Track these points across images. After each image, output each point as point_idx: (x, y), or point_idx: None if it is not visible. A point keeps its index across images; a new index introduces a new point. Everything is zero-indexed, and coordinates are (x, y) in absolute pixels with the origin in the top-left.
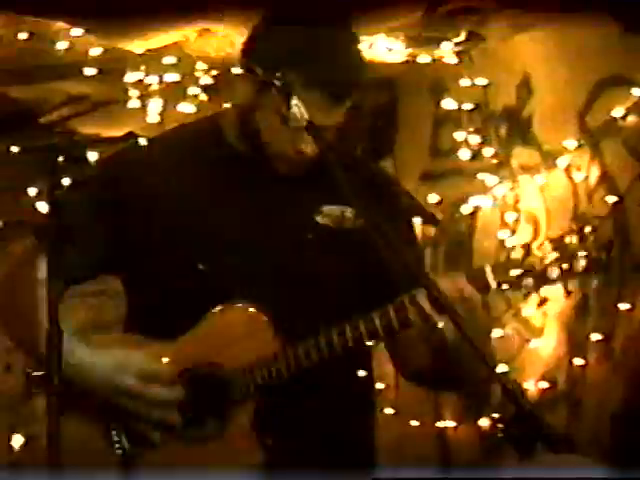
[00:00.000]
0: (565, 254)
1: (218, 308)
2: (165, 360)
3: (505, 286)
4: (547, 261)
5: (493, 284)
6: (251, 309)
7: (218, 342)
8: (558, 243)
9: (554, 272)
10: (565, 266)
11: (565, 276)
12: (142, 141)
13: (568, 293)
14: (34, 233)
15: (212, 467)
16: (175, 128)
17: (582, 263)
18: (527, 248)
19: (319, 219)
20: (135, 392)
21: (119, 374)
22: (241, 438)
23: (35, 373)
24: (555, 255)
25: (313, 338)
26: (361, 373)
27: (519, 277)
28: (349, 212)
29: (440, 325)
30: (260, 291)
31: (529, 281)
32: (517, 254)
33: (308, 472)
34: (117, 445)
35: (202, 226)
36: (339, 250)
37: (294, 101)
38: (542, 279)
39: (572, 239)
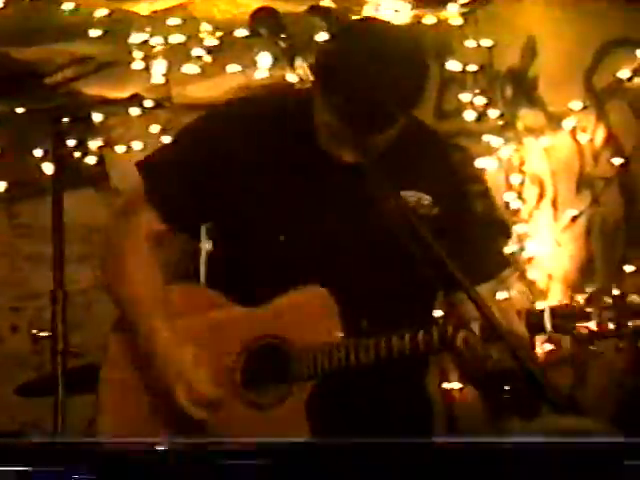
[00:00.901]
0: (626, 313)
1: (296, 287)
2: (234, 327)
3: (560, 332)
4: (606, 314)
5: (549, 328)
6: (325, 293)
7: (291, 319)
8: (620, 299)
9: (611, 326)
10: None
11: (621, 334)
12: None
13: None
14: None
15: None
16: (265, 94)
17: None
18: (589, 298)
19: (398, 204)
20: (180, 407)
21: (178, 386)
22: (294, 414)
23: (41, 334)
24: (613, 313)
25: (374, 337)
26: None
27: (575, 326)
28: (426, 199)
29: (494, 355)
30: (335, 274)
31: (583, 332)
32: (578, 301)
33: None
34: None
35: (283, 198)
36: (413, 236)
37: (298, 62)
38: (597, 333)
39: (636, 299)
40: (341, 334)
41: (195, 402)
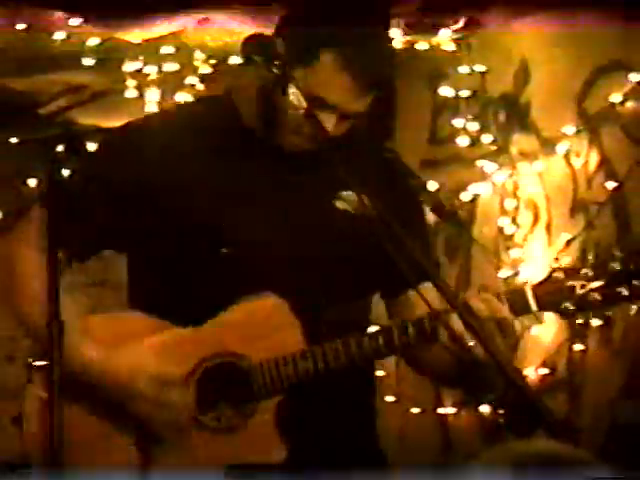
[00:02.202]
0: (609, 281)
1: (244, 298)
2: (181, 349)
3: (546, 309)
4: (590, 286)
5: (534, 307)
6: (278, 301)
7: (242, 333)
8: (602, 269)
9: (597, 297)
10: (608, 292)
11: (607, 303)
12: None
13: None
14: (40, 202)
15: (234, 460)
16: (183, 105)
17: (625, 292)
18: (568, 271)
19: (338, 204)
20: (149, 397)
21: (133, 380)
22: (264, 433)
23: (37, 363)
24: (600, 283)
25: (341, 340)
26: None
27: (560, 302)
28: (366, 199)
29: (471, 344)
30: (285, 280)
31: (569, 306)
32: (558, 275)
33: (326, 470)
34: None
35: (221, 208)
36: (358, 235)
37: (292, 89)
38: (584, 305)
39: (615, 265)
40: (303, 342)
41: (159, 384)
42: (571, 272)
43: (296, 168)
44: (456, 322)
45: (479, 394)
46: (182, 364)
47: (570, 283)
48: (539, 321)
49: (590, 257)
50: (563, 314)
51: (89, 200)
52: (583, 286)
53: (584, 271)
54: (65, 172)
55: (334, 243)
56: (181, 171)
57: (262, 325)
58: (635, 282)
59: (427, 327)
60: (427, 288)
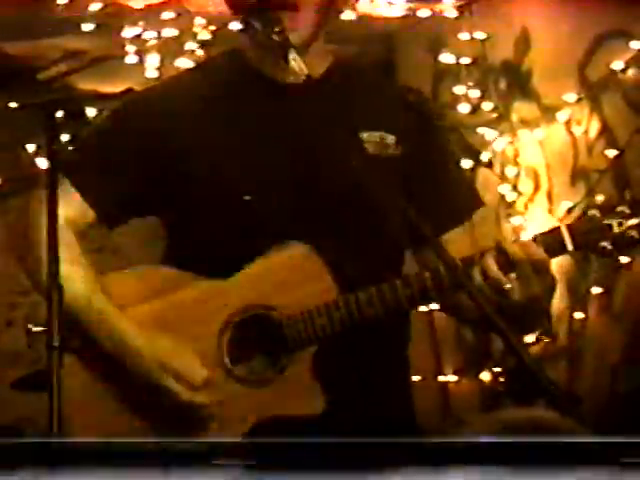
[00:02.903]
0: None
1: (272, 248)
2: (211, 302)
3: (583, 249)
4: (628, 224)
5: (570, 246)
6: (306, 251)
7: (272, 284)
8: (637, 206)
9: (635, 235)
10: None
11: None
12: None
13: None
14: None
15: (271, 412)
16: (194, 67)
17: None
18: (604, 208)
19: (362, 145)
20: (171, 393)
21: (161, 374)
22: (301, 384)
23: (35, 329)
24: (637, 220)
25: (375, 287)
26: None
27: (597, 240)
28: (390, 138)
29: (508, 286)
30: (311, 227)
31: (607, 245)
32: (594, 213)
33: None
34: None
35: (241, 156)
36: (384, 179)
37: (292, 55)
38: (622, 243)
39: None
40: (336, 291)
41: (190, 387)
42: (607, 209)
43: (314, 107)
44: (491, 265)
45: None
46: (213, 317)
47: (607, 221)
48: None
49: (627, 195)
50: (600, 253)
51: (118, 163)
52: (620, 224)
53: (620, 208)
54: (64, 137)
55: (357, 187)
56: (197, 127)
57: (292, 275)
58: None
59: (461, 271)
60: (457, 234)
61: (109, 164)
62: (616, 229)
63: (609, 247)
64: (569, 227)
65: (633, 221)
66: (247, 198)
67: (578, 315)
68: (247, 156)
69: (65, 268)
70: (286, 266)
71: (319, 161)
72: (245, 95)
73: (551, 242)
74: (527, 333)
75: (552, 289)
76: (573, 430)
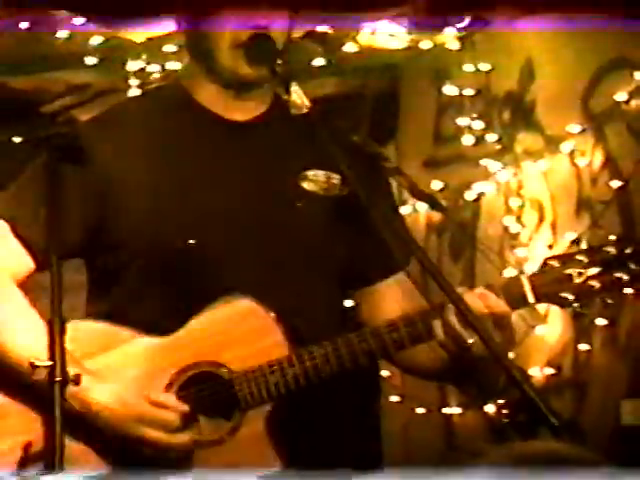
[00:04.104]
0: (606, 266)
1: (217, 302)
2: (154, 360)
3: (544, 301)
4: (588, 274)
5: (531, 299)
6: (253, 304)
7: (220, 340)
8: (596, 254)
9: (596, 285)
10: (606, 278)
11: (607, 289)
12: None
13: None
14: None
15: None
16: (127, 102)
17: (625, 277)
18: (562, 258)
19: (305, 185)
20: (151, 442)
21: (138, 426)
22: (255, 444)
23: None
24: (597, 269)
25: (329, 342)
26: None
27: (558, 291)
28: (335, 178)
29: (470, 341)
30: (256, 278)
31: (568, 295)
32: (553, 264)
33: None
34: None
35: (184, 200)
36: (330, 220)
37: (294, 88)
38: (582, 293)
39: (611, 250)
40: (287, 346)
41: (168, 430)
42: (565, 259)
43: (259, 145)
44: (452, 319)
45: (477, 391)
46: (158, 375)
47: (567, 272)
48: (543, 320)
49: (584, 245)
50: (562, 304)
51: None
52: (580, 274)
53: (579, 257)
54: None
55: (303, 232)
56: (140, 167)
57: (239, 330)
58: (632, 266)
59: (420, 325)
60: (401, 281)
61: (48, 208)
62: (576, 279)
63: (570, 298)
64: (530, 278)
65: (592, 270)
66: (191, 242)
67: (583, 347)
68: (189, 197)
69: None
70: (233, 320)
71: (264, 203)
72: (186, 131)
73: (513, 294)
74: (484, 392)
75: (511, 344)
76: (592, 463)
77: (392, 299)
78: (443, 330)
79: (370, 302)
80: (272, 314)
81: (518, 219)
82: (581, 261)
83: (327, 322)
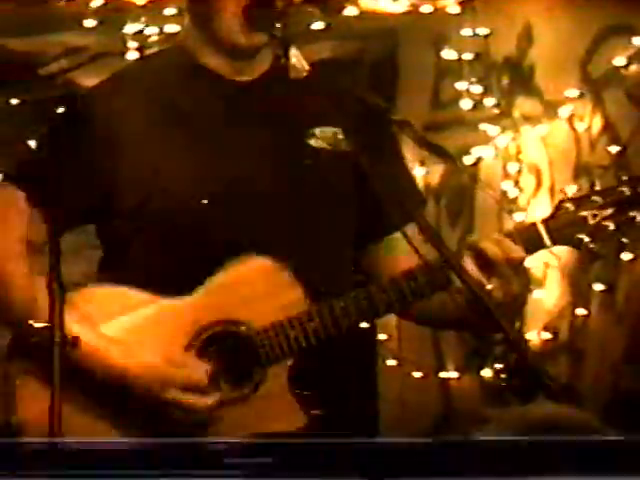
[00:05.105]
0: (621, 206)
1: (233, 261)
2: (174, 321)
3: (560, 244)
4: (603, 214)
5: (548, 242)
6: (270, 262)
7: (238, 298)
8: (610, 195)
9: (611, 226)
10: (621, 219)
11: (622, 229)
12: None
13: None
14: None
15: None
16: (131, 66)
17: (639, 217)
18: (577, 200)
19: (313, 142)
20: (181, 405)
21: (166, 389)
22: (279, 400)
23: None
24: (611, 210)
25: (349, 294)
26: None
27: (574, 234)
28: (342, 134)
29: (489, 287)
30: (271, 236)
31: (584, 237)
32: (568, 206)
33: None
34: None
35: (194, 160)
36: (338, 176)
37: (293, 52)
38: (598, 235)
39: (625, 189)
40: (306, 302)
41: (197, 392)
42: (580, 200)
43: (264, 104)
44: (470, 266)
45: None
46: (178, 335)
47: (581, 213)
48: (541, 284)
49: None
50: (577, 246)
51: (68, 173)
52: (595, 215)
53: (593, 198)
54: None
55: (314, 189)
56: (149, 130)
57: (258, 288)
58: None
59: (438, 273)
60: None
61: (59, 175)
62: (591, 221)
63: (586, 239)
64: (545, 222)
65: (607, 211)
66: (204, 202)
67: (580, 312)
68: (199, 158)
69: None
70: (250, 279)
71: (272, 161)
72: (193, 92)
73: (528, 238)
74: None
75: (527, 287)
76: (598, 429)
77: (407, 249)
78: (462, 277)
79: (387, 254)
80: (289, 270)
81: (516, 184)
82: (595, 202)
83: (344, 276)
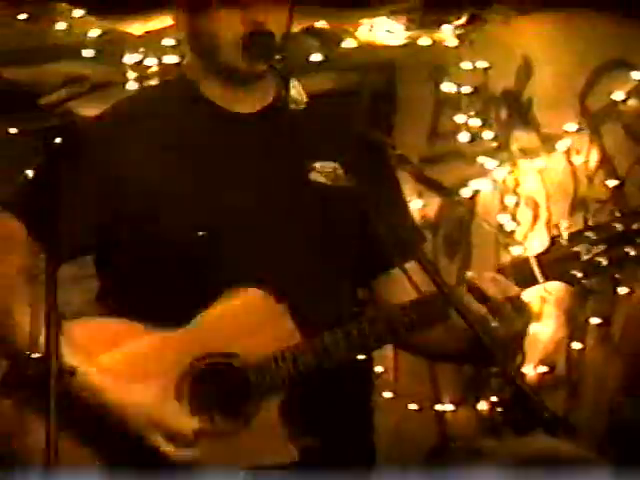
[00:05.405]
0: (614, 242)
1: (226, 293)
2: (166, 353)
3: (553, 279)
4: (595, 250)
5: (540, 278)
6: (262, 294)
7: (231, 331)
8: (604, 230)
9: (604, 262)
10: (614, 254)
11: (616, 265)
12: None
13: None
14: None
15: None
16: (133, 97)
17: (632, 252)
18: (571, 235)
19: (312, 176)
20: (162, 453)
21: (151, 432)
22: (269, 434)
23: (34, 355)
24: (605, 246)
25: (341, 328)
26: (360, 357)
27: (567, 269)
28: (342, 169)
29: (493, 324)
30: (265, 269)
31: (577, 273)
32: (561, 241)
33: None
34: None
35: (194, 193)
36: (337, 211)
37: (293, 83)
38: (591, 270)
39: (618, 225)
40: (298, 335)
41: (178, 444)
42: (574, 236)
43: (264, 136)
44: (474, 304)
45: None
46: (171, 368)
47: (575, 249)
48: (537, 318)
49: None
50: (570, 282)
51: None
52: (588, 251)
53: (586, 234)
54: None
55: (311, 222)
56: (150, 161)
57: (250, 320)
58: None
59: (433, 308)
60: (413, 268)
61: (58, 204)
62: (584, 256)
63: (579, 275)
64: (537, 258)
65: (600, 247)
66: (201, 234)
67: (576, 345)
68: (198, 190)
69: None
70: (244, 311)
71: (270, 194)
72: (195, 124)
73: (521, 274)
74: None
75: (529, 323)
76: (591, 461)
77: (407, 285)
78: (461, 311)
79: (385, 290)
80: (283, 303)
81: (513, 217)
82: (589, 238)
83: (339, 311)
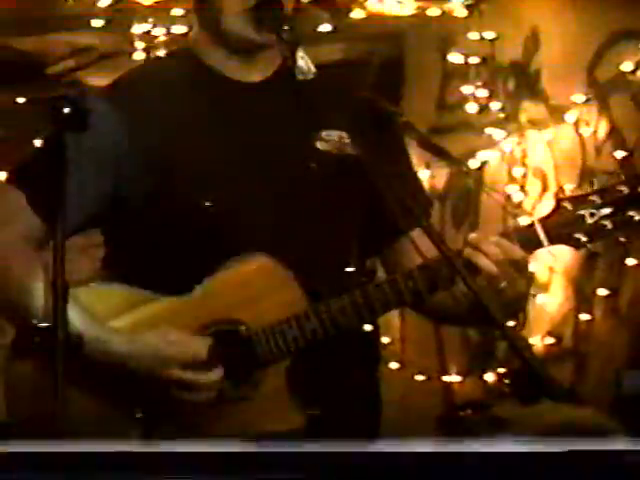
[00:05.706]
0: (619, 206)
1: (233, 260)
2: (172, 320)
3: (558, 243)
4: (600, 214)
5: (545, 242)
6: (270, 262)
7: (237, 298)
8: (608, 194)
9: (609, 225)
10: (619, 218)
11: (620, 229)
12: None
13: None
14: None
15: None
16: (138, 68)
17: (637, 216)
18: (575, 199)
19: (319, 145)
20: (183, 382)
21: (163, 367)
22: (277, 400)
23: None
24: (609, 209)
25: (347, 294)
26: (367, 327)
27: (571, 233)
28: (348, 137)
29: (502, 285)
30: (272, 236)
31: (582, 237)
32: (566, 205)
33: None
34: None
35: (199, 161)
36: (344, 179)
37: (300, 53)
38: (595, 234)
39: (623, 189)
40: (305, 302)
41: (195, 367)
42: (578, 200)
43: (270, 105)
44: (484, 261)
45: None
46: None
47: (579, 212)
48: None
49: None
50: (575, 245)
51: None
52: (593, 214)
53: (592, 198)
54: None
55: (318, 190)
56: (155, 131)
57: (257, 287)
58: None
59: (438, 274)
60: (420, 234)
61: (62, 177)
62: (589, 220)
63: (584, 239)
64: (542, 222)
65: (605, 211)
66: (208, 204)
67: (584, 317)
68: (203, 159)
69: (34, 285)
70: (250, 278)
71: (277, 163)
72: (200, 95)
73: (526, 238)
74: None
75: (530, 285)
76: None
77: (415, 253)
78: (468, 276)
79: (393, 257)
80: (289, 270)
81: (521, 188)
82: (594, 201)
83: (345, 278)
